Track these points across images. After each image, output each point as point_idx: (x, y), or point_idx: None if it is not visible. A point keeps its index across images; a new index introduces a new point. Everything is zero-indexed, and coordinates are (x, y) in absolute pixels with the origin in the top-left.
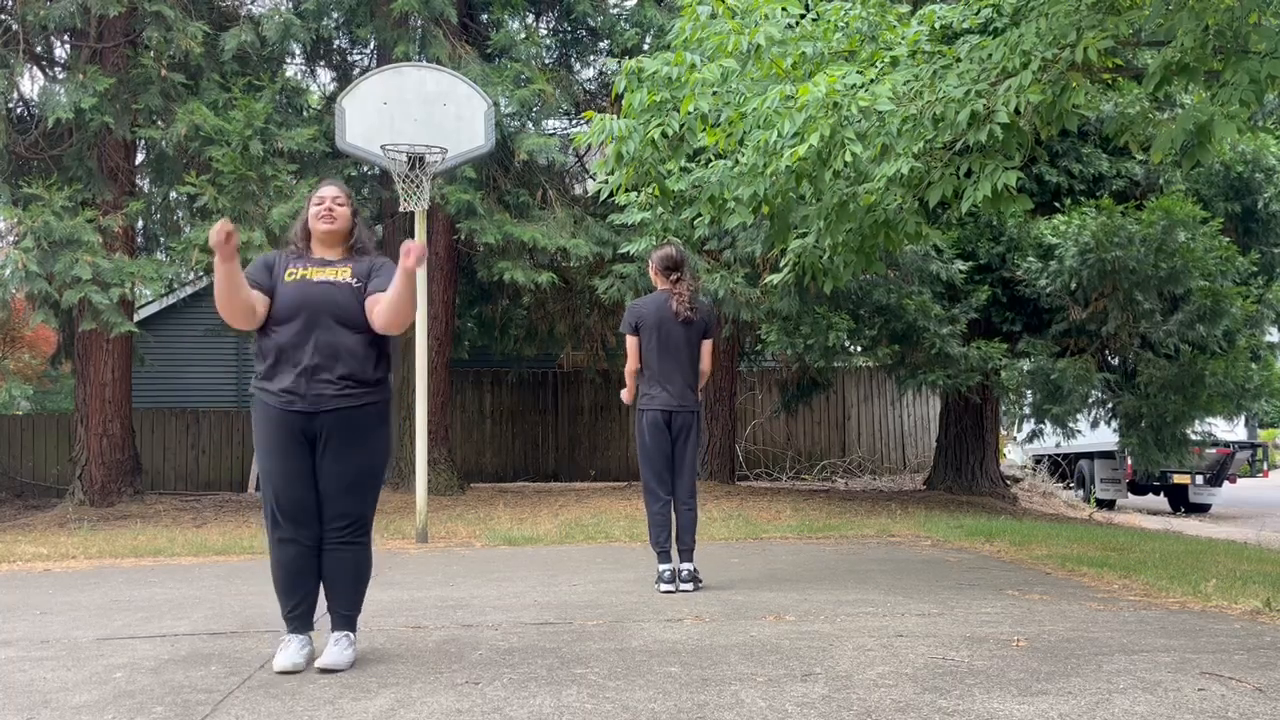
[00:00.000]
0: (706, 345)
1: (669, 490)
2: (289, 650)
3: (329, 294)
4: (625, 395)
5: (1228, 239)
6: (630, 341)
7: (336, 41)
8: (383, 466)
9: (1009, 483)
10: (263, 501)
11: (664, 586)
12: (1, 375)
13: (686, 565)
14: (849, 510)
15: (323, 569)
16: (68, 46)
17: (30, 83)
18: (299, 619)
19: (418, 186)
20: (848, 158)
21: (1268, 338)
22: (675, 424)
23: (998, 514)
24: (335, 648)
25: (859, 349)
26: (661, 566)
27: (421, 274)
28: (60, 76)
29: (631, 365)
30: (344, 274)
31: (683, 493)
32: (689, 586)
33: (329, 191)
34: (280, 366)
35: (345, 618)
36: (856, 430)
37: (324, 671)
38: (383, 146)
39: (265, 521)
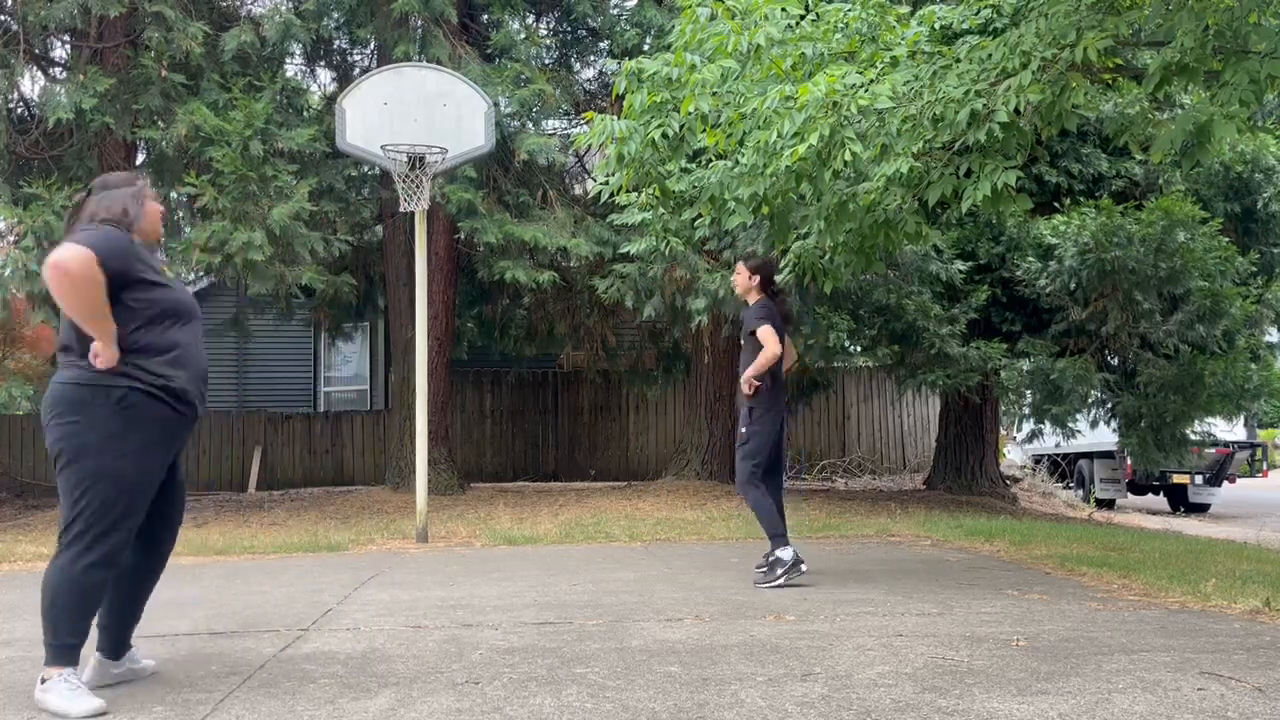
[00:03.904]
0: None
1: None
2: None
3: None
4: (750, 388)
5: (1227, 239)
6: (769, 330)
7: (336, 41)
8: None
9: (1009, 482)
10: (96, 511)
11: (804, 566)
12: (2, 375)
13: None
14: (849, 510)
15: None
16: (68, 47)
17: (30, 83)
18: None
19: (418, 186)
20: (847, 157)
21: (1267, 338)
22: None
23: (997, 514)
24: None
25: (859, 349)
26: (791, 549)
27: (421, 274)
28: (60, 77)
29: (777, 349)
30: None
31: (780, 478)
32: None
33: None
34: (183, 363)
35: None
36: (856, 430)
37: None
38: (383, 146)
39: (100, 537)
